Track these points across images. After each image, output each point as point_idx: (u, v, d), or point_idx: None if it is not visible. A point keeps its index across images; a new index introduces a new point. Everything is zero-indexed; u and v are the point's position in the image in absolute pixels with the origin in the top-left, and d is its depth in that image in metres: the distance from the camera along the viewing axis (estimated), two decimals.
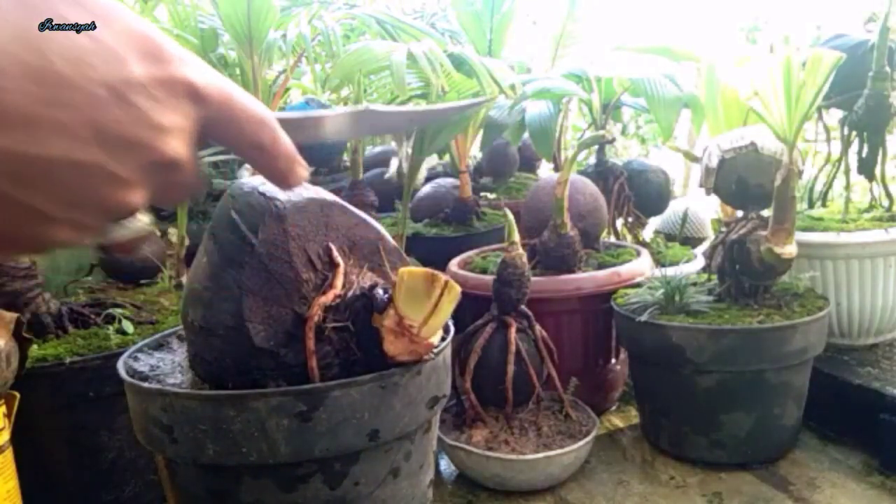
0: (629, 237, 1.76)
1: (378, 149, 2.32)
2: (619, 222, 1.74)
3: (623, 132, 3.69)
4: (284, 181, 0.36)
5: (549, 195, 1.38)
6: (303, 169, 0.37)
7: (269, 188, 0.72)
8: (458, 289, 0.66)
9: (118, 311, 1.13)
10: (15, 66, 0.25)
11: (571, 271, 1.35)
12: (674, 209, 2.18)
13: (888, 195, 1.36)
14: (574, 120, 2.69)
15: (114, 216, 0.30)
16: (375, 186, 1.70)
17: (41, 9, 0.26)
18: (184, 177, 0.32)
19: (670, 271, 1.21)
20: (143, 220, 0.34)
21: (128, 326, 1.10)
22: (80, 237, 0.29)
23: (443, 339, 0.78)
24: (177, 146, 0.29)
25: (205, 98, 0.30)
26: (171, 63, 0.29)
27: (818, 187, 1.54)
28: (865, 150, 1.35)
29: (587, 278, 1.33)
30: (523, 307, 1.16)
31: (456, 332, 0.85)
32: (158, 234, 1.46)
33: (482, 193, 2.13)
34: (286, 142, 0.35)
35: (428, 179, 2.04)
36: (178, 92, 0.29)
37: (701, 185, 1.25)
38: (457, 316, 0.73)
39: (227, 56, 1.55)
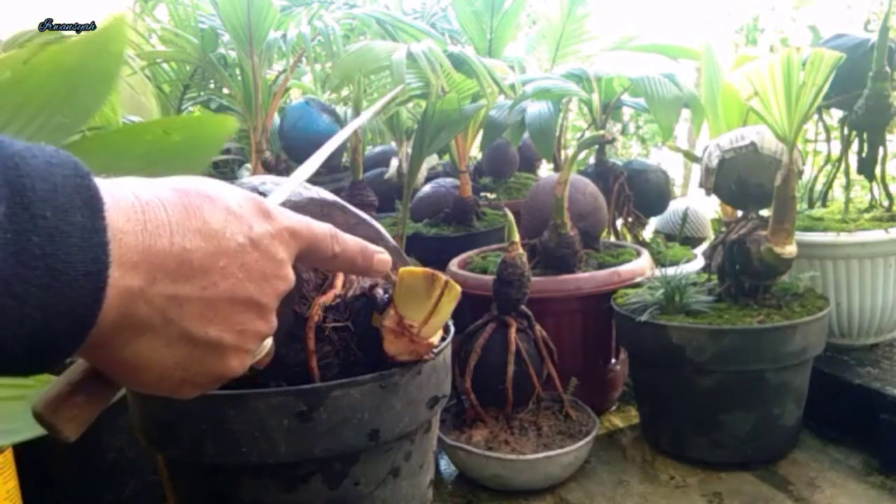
0: (629, 237, 1.76)
1: (378, 149, 2.32)
2: (619, 222, 1.74)
3: (623, 132, 3.69)
4: (372, 272, 0.45)
5: (549, 195, 1.38)
6: (380, 254, 0.46)
7: (269, 188, 0.72)
8: (458, 289, 0.66)
9: None
10: (197, 235, 0.34)
11: (571, 271, 1.35)
12: (674, 209, 2.18)
13: (888, 195, 1.36)
14: (574, 120, 2.69)
15: (264, 337, 0.38)
16: (375, 186, 1.70)
17: (194, 203, 0.34)
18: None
19: (670, 271, 1.21)
20: (269, 340, 0.42)
21: None
22: (244, 362, 0.38)
23: (443, 339, 0.78)
24: (290, 274, 0.39)
25: (298, 235, 0.40)
26: (276, 218, 0.38)
27: (818, 187, 1.54)
28: (865, 150, 1.35)
29: (587, 278, 1.33)
30: (523, 307, 1.16)
31: (456, 332, 0.85)
32: None
33: (482, 193, 2.13)
34: (352, 242, 0.44)
35: (428, 179, 2.04)
36: (284, 236, 0.38)
37: (701, 185, 1.25)
38: (457, 316, 0.73)
39: (228, 56, 1.55)
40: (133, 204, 0.32)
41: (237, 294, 0.35)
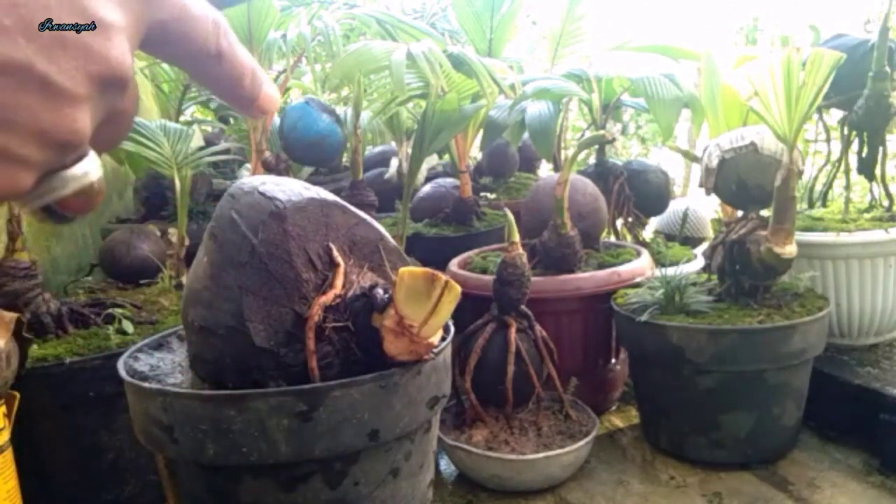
0: (629, 237, 1.76)
1: (378, 149, 2.32)
2: (619, 222, 1.74)
3: (623, 132, 3.69)
4: (254, 104, 0.29)
5: (549, 195, 1.38)
6: (274, 89, 0.30)
7: (270, 188, 0.72)
8: (458, 289, 0.66)
9: (118, 311, 1.13)
10: None
11: (571, 271, 1.35)
12: (674, 209, 2.18)
13: (888, 195, 1.36)
14: (574, 120, 2.69)
15: (58, 147, 0.23)
16: (375, 186, 1.70)
17: None
18: (127, 104, 0.25)
19: (670, 271, 1.21)
20: (95, 163, 0.26)
21: (128, 326, 1.10)
22: (16, 179, 0.22)
23: (443, 339, 0.78)
24: (123, 53, 0.23)
25: None
26: None
27: (818, 187, 1.54)
28: (865, 150, 1.35)
29: (587, 278, 1.33)
30: (523, 307, 1.16)
31: (456, 332, 0.85)
32: (158, 234, 1.46)
33: (482, 193, 2.13)
34: (247, 54, 0.28)
35: (428, 179, 2.04)
36: None
37: (701, 185, 1.25)
38: (457, 316, 0.73)
39: None
40: None
41: None
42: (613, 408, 1.43)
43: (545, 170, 2.49)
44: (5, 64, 0.20)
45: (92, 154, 0.26)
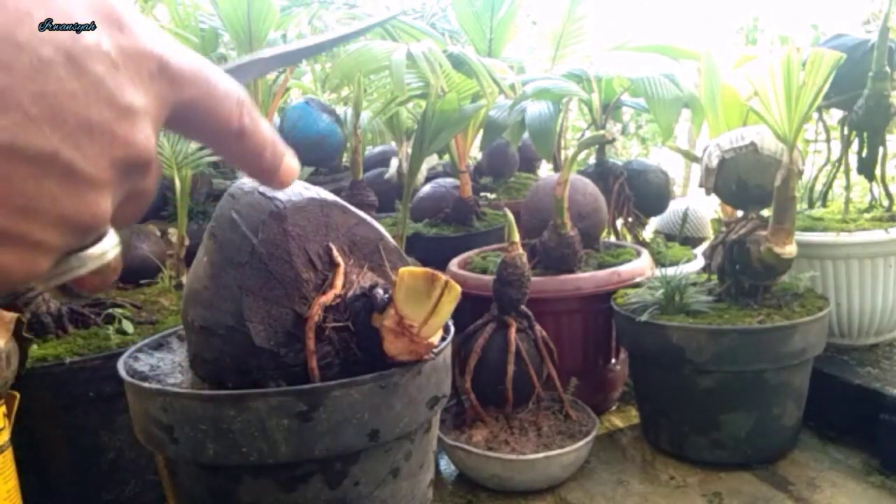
0: (629, 237, 1.76)
1: (378, 149, 2.32)
2: (619, 222, 1.74)
3: (623, 132, 3.69)
4: (275, 176, 0.29)
5: (549, 195, 1.38)
6: (294, 161, 0.30)
7: (270, 188, 0.72)
8: (458, 289, 0.66)
9: (118, 311, 1.13)
10: None
11: (571, 271, 1.35)
12: (674, 209, 2.18)
13: (888, 195, 1.36)
14: (574, 120, 2.69)
15: (78, 232, 0.23)
16: (375, 186, 1.70)
17: None
18: (149, 184, 0.25)
19: (670, 271, 1.21)
20: (112, 242, 0.26)
21: (128, 326, 1.10)
22: (33, 264, 0.22)
23: (443, 339, 0.78)
24: (148, 137, 0.23)
25: (177, 76, 0.24)
26: (137, 33, 0.23)
27: (818, 187, 1.54)
28: (865, 150, 1.35)
29: (587, 278, 1.33)
30: (523, 307, 1.16)
31: (456, 332, 0.85)
32: (158, 234, 1.46)
33: (482, 193, 2.13)
34: (269, 128, 0.28)
35: (428, 179, 2.04)
36: (146, 67, 0.23)
37: (701, 185, 1.25)
38: (457, 316, 0.73)
39: (228, 56, 1.55)
40: None
41: (20, 143, 0.20)
42: (613, 408, 1.43)
43: (545, 170, 2.49)
44: (31, 153, 0.20)
45: (110, 232, 0.26)
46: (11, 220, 0.21)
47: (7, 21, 0.20)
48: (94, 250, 0.25)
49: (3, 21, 0.20)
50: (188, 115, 0.25)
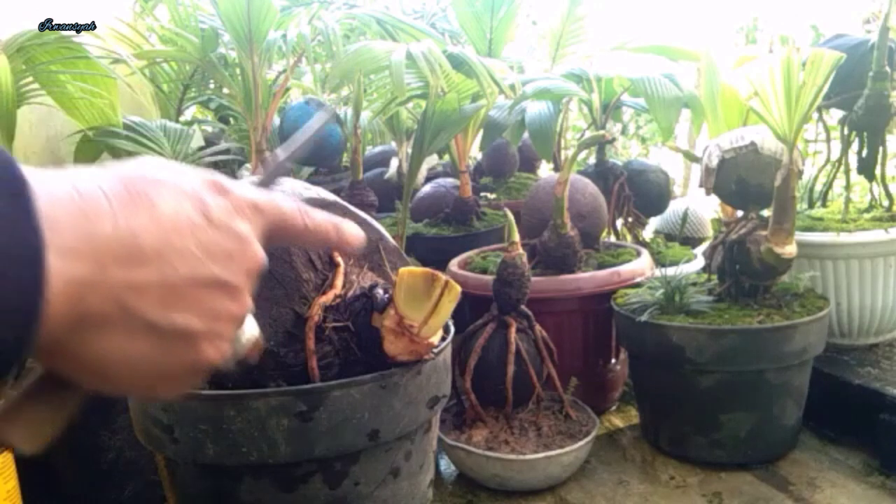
0: (629, 237, 1.76)
1: (378, 149, 2.32)
2: (619, 222, 1.74)
3: (623, 132, 3.69)
4: (344, 245, 0.42)
5: (549, 195, 1.38)
6: (349, 224, 0.42)
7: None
8: (458, 289, 0.66)
9: None
10: (145, 217, 0.31)
11: (571, 271, 1.35)
12: (674, 209, 2.18)
13: (888, 195, 1.36)
14: (574, 120, 2.69)
15: (238, 321, 0.36)
16: (375, 186, 1.70)
17: (140, 188, 0.32)
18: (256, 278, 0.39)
19: (670, 271, 1.21)
20: (253, 322, 0.39)
21: None
22: (221, 351, 0.35)
23: (443, 339, 0.78)
24: (259, 251, 0.36)
25: (262, 210, 0.37)
26: (233, 192, 0.36)
27: (818, 187, 1.54)
28: (865, 150, 1.35)
29: (587, 278, 1.33)
30: (523, 307, 1.16)
31: (456, 332, 0.85)
32: None
33: (482, 193, 2.13)
34: (322, 217, 0.41)
35: (428, 179, 2.03)
36: (244, 211, 0.36)
37: (701, 185, 1.25)
38: (457, 316, 0.73)
39: (228, 56, 1.55)
40: (70, 193, 0.29)
41: (199, 275, 0.32)
42: (613, 408, 1.42)
43: (545, 170, 2.48)
44: (205, 280, 0.33)
45: (250, 316, 0.39)
46: (207, 323, 0.33)
47: (171, 208, 0.32)
48: (249, 331, 0.39)
49: (169, 209, 0.32)
50: (273, 232, 0.38)
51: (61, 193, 0.29)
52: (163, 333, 0.32)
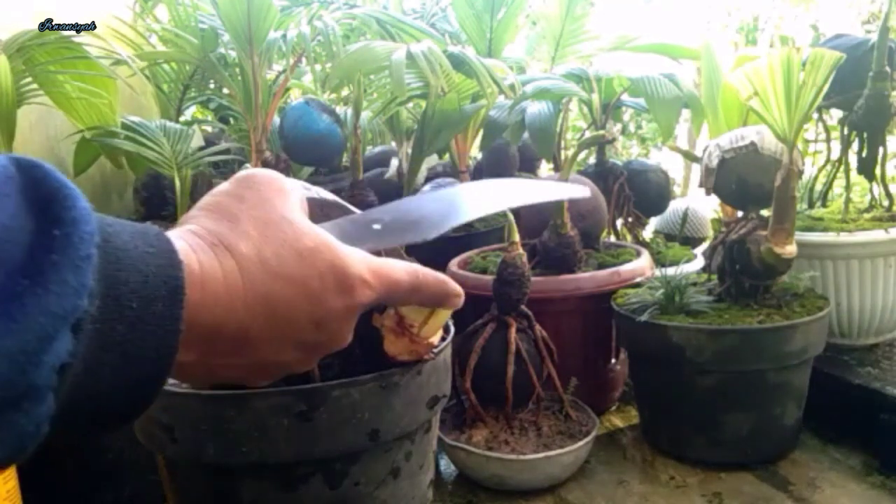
0: (629, 237, 1.76)
1: (378, 149, 2.32)
2: (619, 222, 1.74)
3: (623, 132, 3.69)
4: (451, 307, 0.50)
5: None
6: (454, 286, 0.49)
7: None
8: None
9: None
10: (261, 319, 0.36)
11: (571, 271, 1.35)
12: (674, 209, 2.18)
13: (888, 195, 1.36)
14: (574, 120, 2.69)
15: (313, 364, 0.43)
16: (375, 186, 1.70)
17: (272, 290, 0.37)
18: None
19: (670, 271, 1.21)
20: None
21: None
22: (302, 368, 0.43)
23: (443, 339, 0.78)
24: (348, 338, 0.42)
25: (377, 287, 0.41)
26: (356, 294, 0.40)
27: (818, 187, 1.54)
28: (865, 150, 1.35)
29: (587, 278, 1.33)
30: (523, 307, 1.16)
31: (456, 332, 0.84)
32: None
33: None
34: (431, 281, 0.46)
35: (428, 179, 2.03)
36: (356, 308, 0.40)
37: (701, 185, 1.25)
38: (457, 316, 0.73)
39: (228, 56, 1.55)
40: (216, 293, 0.35)
41: (281, 359, 0.39)
42: (613, 408, 1.42)
43: (545, 170, 2.48)
44: (286, 363, 0.40)
45: None
46: (270, 377, 0.42)
47: (288, 312, 0.38)
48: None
49: (286, 312, 0.37)
50: (383, 299, 0.43)
51: (210, 290, 0.35)
52: (252, 372, 0.40)
